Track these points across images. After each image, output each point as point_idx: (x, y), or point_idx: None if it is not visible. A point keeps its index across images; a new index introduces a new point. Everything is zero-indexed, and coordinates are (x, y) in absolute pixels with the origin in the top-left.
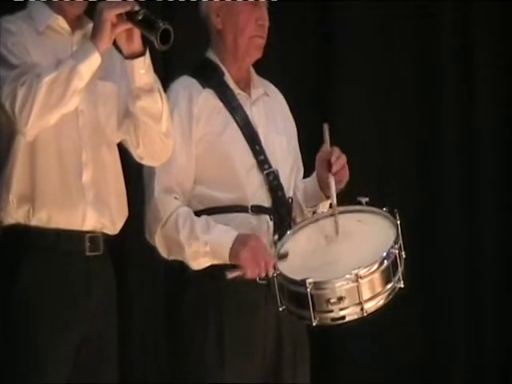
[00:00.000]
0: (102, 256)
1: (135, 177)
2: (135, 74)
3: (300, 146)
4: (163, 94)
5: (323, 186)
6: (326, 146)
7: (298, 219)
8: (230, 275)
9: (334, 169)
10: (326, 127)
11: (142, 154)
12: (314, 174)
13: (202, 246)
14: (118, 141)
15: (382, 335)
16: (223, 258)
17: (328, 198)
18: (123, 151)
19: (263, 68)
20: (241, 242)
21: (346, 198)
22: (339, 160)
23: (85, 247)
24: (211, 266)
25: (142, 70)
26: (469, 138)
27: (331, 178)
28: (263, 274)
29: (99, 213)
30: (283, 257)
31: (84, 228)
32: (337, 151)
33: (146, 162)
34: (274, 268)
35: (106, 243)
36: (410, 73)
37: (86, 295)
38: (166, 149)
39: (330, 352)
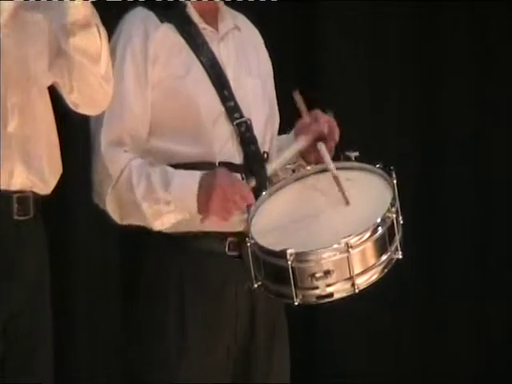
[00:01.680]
0: (33, 220)
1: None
2: (69, 4)
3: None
4: (102, 30)
5: (304, 153)
6: (304, 116)
7: (275, 178)
8: (203, 220)
9: (322, 124)
10: (296, 95)
11: (76, 101)
12: (291, 136)
13: (164, 205)
14: (48, 83)
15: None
16: (191, 213)
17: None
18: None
19: None
20: (206, 188)
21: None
22: (322, 119)
23: (12, 209)
24: (170, 238)
25: None
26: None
27: (321, 145)
28: (239, 211)
29: (28, 169)
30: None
31: (11, 187)
32: (320, 116)
33: (81, 110)
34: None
35: (36, 204)
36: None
37: (16, 265)
38: (105, 95)
39: (314, 337)
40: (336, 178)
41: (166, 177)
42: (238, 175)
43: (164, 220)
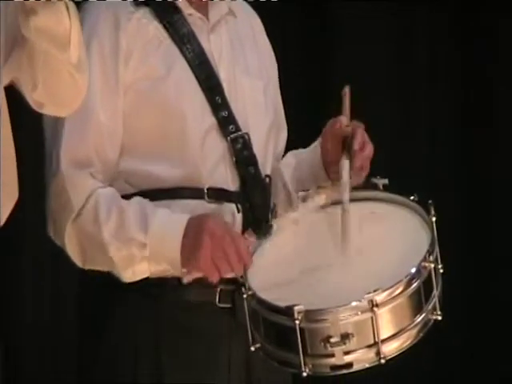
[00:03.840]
0: None
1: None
2: None
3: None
4: (71, 6)
5: (330, 166)
6: (345, 116)
7: (281, 210)
8: (187, 278)
9: (357, 162)
10: (346, 91)
11: (41, 99)
12: (315, 146)
13: (138, 248)
14: (6, 82)
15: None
16: (171, 262)
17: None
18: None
19: None
20: (194, 235)
21: None
22: (365, 153)
23: None
24: (148, 279)
25: None
26: None
27: (344, 161)
28: (237, 272)
29: None
30: None
31: None
32: (360, 131)
33: (47, 110)
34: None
35: None
36: None
37: None
38: (77, 89)
39: None
40: (344, 213)
41: (145, 214)
42: (233, 205)
43: (136, 269)
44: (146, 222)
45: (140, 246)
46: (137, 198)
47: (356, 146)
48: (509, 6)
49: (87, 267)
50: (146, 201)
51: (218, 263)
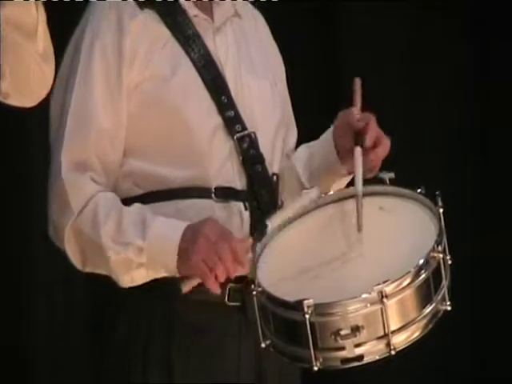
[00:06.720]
0: None
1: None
2: None
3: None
4: None
5: (345, 157)
6: (356, 107)
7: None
8: (186, 287)
9: (371, 158)
10: (357, 82)
11: (8, 89)
12: (327, 137)
13: (136, 254)
14: None
15: None
16: (168, 269)
17: (350, 174)
18: None
19: None
20: (191, 237)
21: None
22: (379, 144)
23: None
24: (154, 281)
25: None
26: None
27: (358, 152)
28: (232, 275)
29: None
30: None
31: None
32: (373, 126)
33: (13, 100)
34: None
35: None
36: None
37: None
38: (44, 80)
39: None
40: (357, 199)
41: (143, 219)
42: (240, 204)
43: (134, 275)
44: (144, 226)
45: (137, 251)
46: (137, 204)
47: (368, 142)
48: None
49: (87, 270)
50: (145, 207)
51: (213, 267)
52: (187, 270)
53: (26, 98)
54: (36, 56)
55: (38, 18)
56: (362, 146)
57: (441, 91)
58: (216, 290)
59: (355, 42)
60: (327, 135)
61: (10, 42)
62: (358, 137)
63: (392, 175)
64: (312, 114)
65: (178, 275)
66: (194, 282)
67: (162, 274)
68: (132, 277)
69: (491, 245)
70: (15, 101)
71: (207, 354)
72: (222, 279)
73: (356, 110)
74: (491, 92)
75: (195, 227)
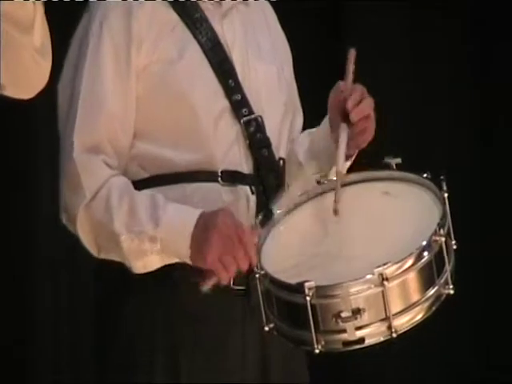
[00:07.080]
0: None
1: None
2: None
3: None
4: None
5: (337, 136)
6: (347, 80)
7: (298, 191)
8: (206, 287)
9: (353, 117)
10: (352, 53)
11: (4, 82)
12: (326, 121)
13: (149, 242)
14: None
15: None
16: (181, 258)
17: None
18: None
19: None
20: (204, 228)
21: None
22: (361, 106)
23: None
24: (165, 267)
25: None
26: None
27: (343, 128)
28: (244, 268)
29: None
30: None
31: None
32: (358, 90)
33: (9, 92)
34: (256, 266)
35: None
36: None
37: None
38: (40, 73)
39: None
40: (339, 175)
41: (156, 207)
42: (247, 188)
43: (147, 262)
44: (157, 214)
45: (151, 240)
46: (148, 192)
47: (350, 103)
48: None
49: (102, 257)
50: (157, 194)
51: (226, 263)
52: (201, 264)
53: (21, 89)
54: (32, 50)
55: (35, 9)
56: (344, 112)
57: (441, 91)
58: (227, 281)
59: (355, 41)
60: (325, 121)
61: (4, 35)
62: (346, 113)
63: (399, 160)
64: (313, 114)
65: (190, 263)
66: (211, 283)
67: (174, 260)
68: (145, 263)
69: (494, 241)
70: (12, 93)
71: (210, 340)
72: (234, 274)
73: (343, 84)
74: (491, 92)
75: (207, 218)
